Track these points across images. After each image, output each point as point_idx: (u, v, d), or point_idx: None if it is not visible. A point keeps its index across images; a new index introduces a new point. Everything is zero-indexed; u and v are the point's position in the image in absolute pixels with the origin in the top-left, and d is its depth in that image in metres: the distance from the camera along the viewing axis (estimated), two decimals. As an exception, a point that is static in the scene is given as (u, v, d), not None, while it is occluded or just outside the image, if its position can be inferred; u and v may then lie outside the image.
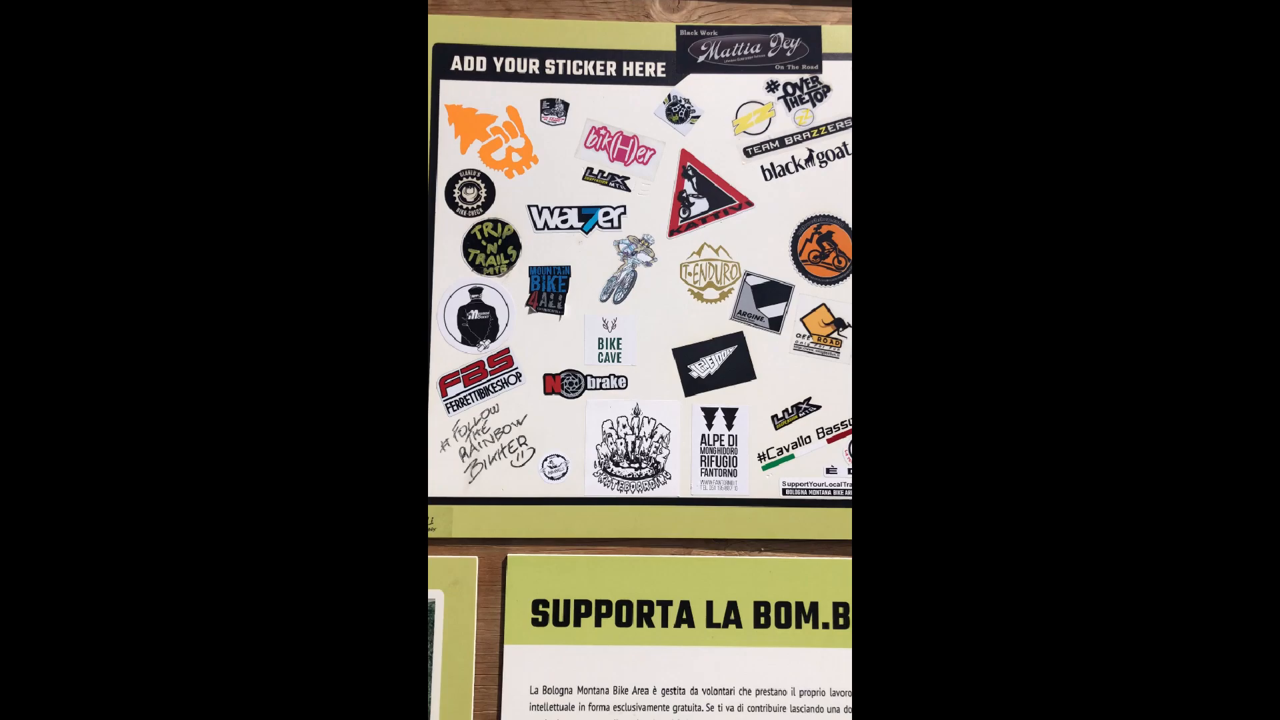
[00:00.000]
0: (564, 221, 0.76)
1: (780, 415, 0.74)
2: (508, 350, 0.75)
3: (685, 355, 0.74)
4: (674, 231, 0.75)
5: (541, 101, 0.76)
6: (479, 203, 0.76)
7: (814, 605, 0.72)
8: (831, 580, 0.72)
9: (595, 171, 0.76)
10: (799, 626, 0.72)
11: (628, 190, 0.76)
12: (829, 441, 0.73)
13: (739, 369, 0.74)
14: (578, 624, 0.72)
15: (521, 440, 0.74)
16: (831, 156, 0.75)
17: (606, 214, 0.76)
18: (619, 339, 0.75)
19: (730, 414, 0.74)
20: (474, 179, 0.76)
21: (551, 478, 0.74)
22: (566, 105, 0.76)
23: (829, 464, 0.73)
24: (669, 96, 0.76)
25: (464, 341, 0.75)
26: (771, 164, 0.75)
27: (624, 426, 0.74)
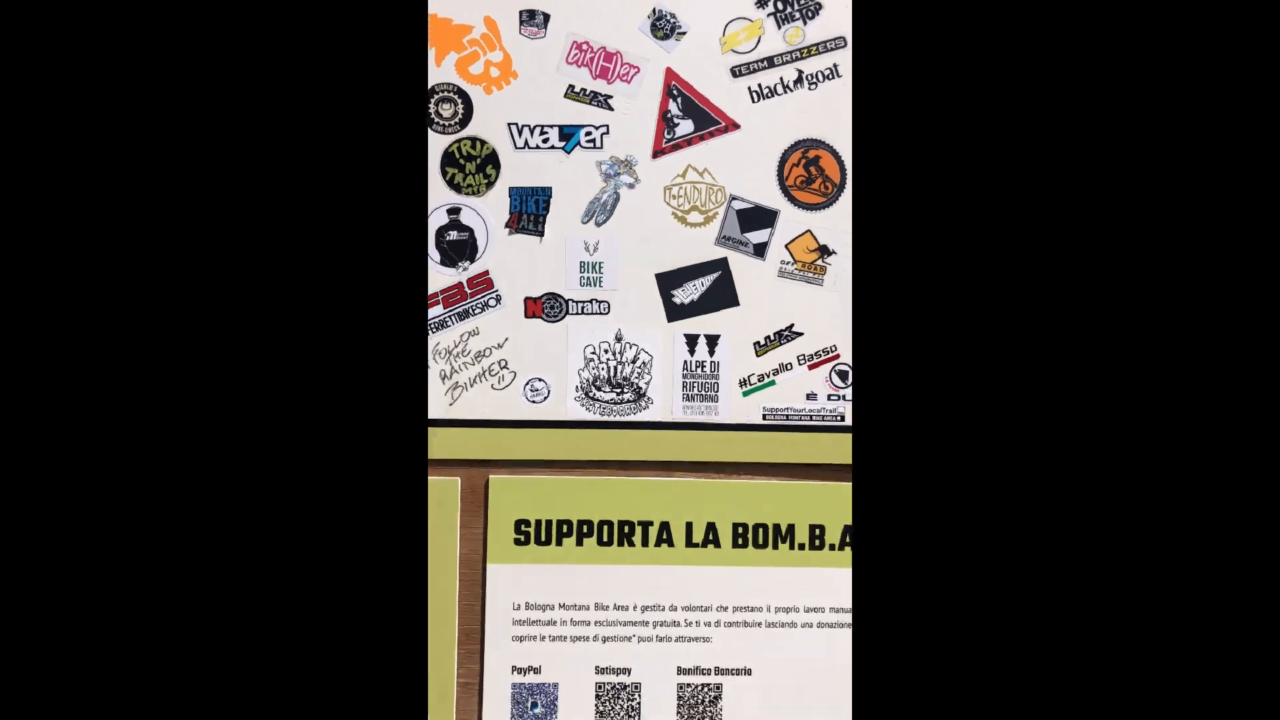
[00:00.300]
0: (545, 141, 0.74)
1: (762, 342, 0.74)
2: (487, 273, 0.74)
3: (668, 280, 0.74)
4: (658, 153, 0.74)
5: (521, 13, 0.73)
6: (456, 119, 0.73)
7: (790, 527, 0.74)
8: (808, 503, 0.74)
9: (577, 89, 0.73)
10: (776, 547, 0.74)
11: (610, 109, 0.73)
12: (810, 368, 0.74)
13: (722, 295, 0.74)
14: (559, 543, 0.74)
15: (503, 364, 0.74)
16: (822, 78, 0.73)
17: (589, 134, 0.74)
18: (601, 263, 0.74)
19: (713, 340, 0.74)
20: (450, 94, 0.73)
21: (533, 401, 0.74)
22: (547, 17, 0.73)
23: (809, 390, 0.74)
24: (654, 11, 0.73)
25: (443, 263, 0.74)
26: (759, 85, 0.73)
27: (606, 352, 0.74)
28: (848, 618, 0.73)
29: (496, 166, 0.74)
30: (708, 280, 0.74)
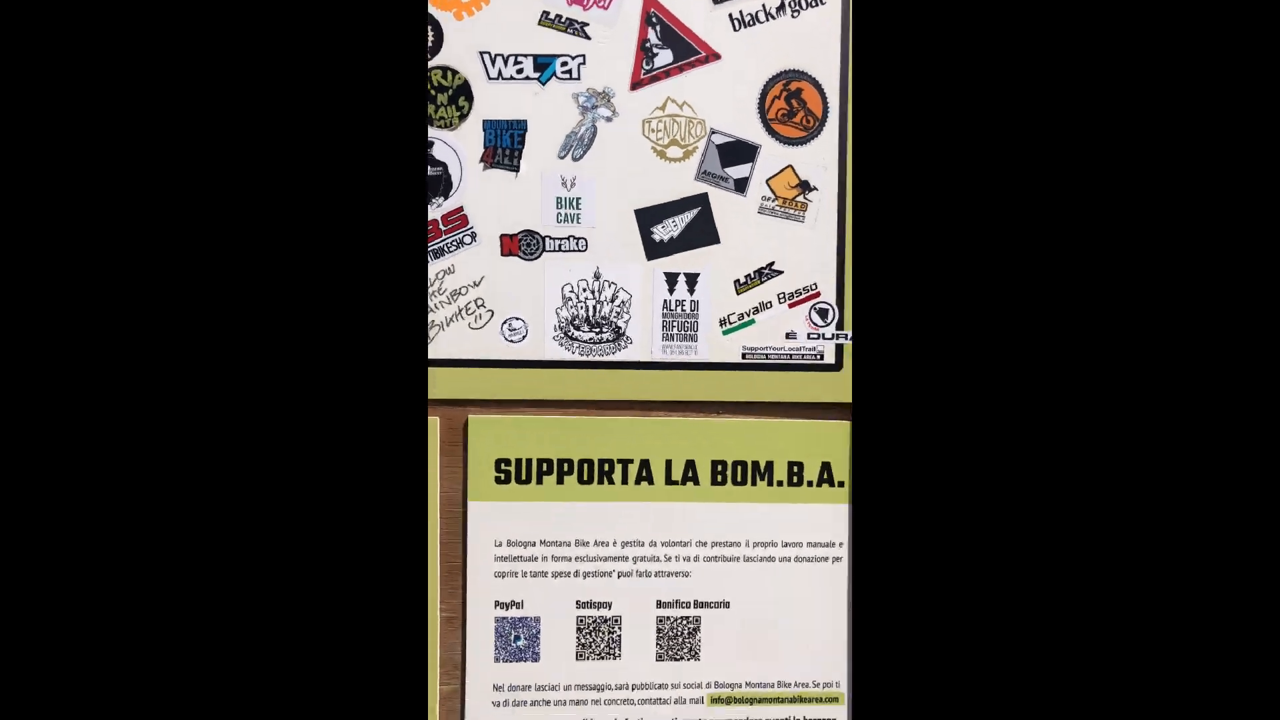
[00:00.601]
0: (519, 71, 0.71)
1: (742, 280, 0.73)
2: (461, 209, 0.72)
3: (647, 217, 0.72)
4: (636, 84, 0.71)
5: (492, -66, 0.69)
6: (426, 47, 0.70)
7: (769, 464, 0.74)
8: (787, 440, 0.74)
9: (552, 16, 0.70)
10: (754, 484, 0.74)
11: (587, 38, 0.71)
12: (790, 306, 0.73)
13: (702, 232, 0.73)
14: (540, 482, 0.74)
15: (479, 302, 0.73)
16: (805, 5, 0.71)
17: (565, 64, 0.71)
18: (578, 199, 0.72)
19: (692, 279, 0.73)
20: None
21: (511, 340, 0.73)
22: (519, -62, 0.70)
23: (789, 329, 0.74)
24: (632, -68, 0.70)
25: (416, 199, 0.72)
26: (741, 12, 0.71)
27: (584, 290, 0.73)
28: (824, 552, 0.75)
29: (469, 98, 0.71)
30: (688, 217, 0.72)
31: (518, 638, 0.74)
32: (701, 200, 0.72)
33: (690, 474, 0.74)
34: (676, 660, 0.75)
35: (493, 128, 0.71)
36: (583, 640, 0.74)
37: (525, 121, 0.71)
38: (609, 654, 0.74)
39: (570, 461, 0.74)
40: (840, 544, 0.75)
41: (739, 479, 0.74)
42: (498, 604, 0.74)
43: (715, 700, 0.75)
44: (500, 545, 0.74)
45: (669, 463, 0.74)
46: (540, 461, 0.74)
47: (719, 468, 0.74)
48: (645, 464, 0.74)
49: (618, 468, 0.74)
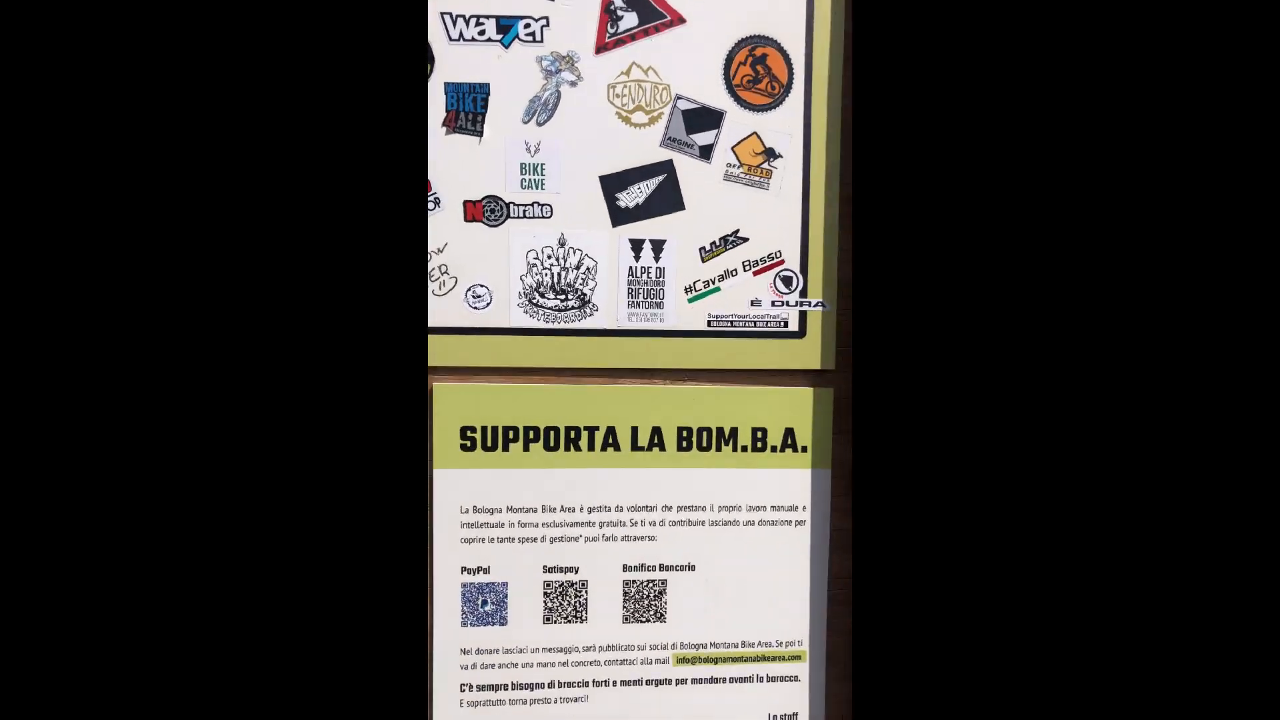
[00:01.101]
0: (481, 33, 0.70)
1: (707, 247, 0.73)
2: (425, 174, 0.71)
3: (612, 183, 0.72)
4: (601, 48, 0.70)
5: (452, -109, 0.68)
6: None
7: (734, 430, 0.75)
8: (751, 407, 0.75)
9: (515, -23, 0.69)
10: (719, 449, 0.75)
11: None
12: (755, 274, 0.74)
13: (668, 199, 0.72)
14: (506, 449, 0.74)
15: (443, 269, 0.72)
16: (771, -31, 0.70)
17: (528, 25, 0.70)
18: (542, 164, 0.71)
19: (658, 245, 0.73)
20: (378, -21, 0.68)
21: (476, 308, 0.72)
22: (481, -104, 0.68)
23: (754, 296, 0.74)
24: (596, -108, 0.68)
25: (377, 164, 0.70)
26: (707, -25, 0.70)
27: (549, 257, 0.72)
28: (787, 515, 0.76)
29: (431, 60, 0.70)
30: (653, 183, 0.72)
31: (485, 602, 0.75)
32: (667, 167, 0.72)
33: (656, 440, 0.75)
34: (643, 622, 0.76)
35: (455, 91, 0.70)
36: (550, 604, 0.75)
37: (488, 85, 0.70)
38: (576, 617, 0.75)
39: (536, 428, 0.74)
40: (803, 507, 0.76)
41: (704, 445, 0.75)
42: (464, 569, 0.75)
43: (681, 660, 0.76)
44: (466, 512, 0.74)
45: (635, 429, 0.75)
46: (506, 429, 0.74)
47: (684, 434, 0.75)
48: (611, 430, 0.74)
49: (584, 434, 0.74)
